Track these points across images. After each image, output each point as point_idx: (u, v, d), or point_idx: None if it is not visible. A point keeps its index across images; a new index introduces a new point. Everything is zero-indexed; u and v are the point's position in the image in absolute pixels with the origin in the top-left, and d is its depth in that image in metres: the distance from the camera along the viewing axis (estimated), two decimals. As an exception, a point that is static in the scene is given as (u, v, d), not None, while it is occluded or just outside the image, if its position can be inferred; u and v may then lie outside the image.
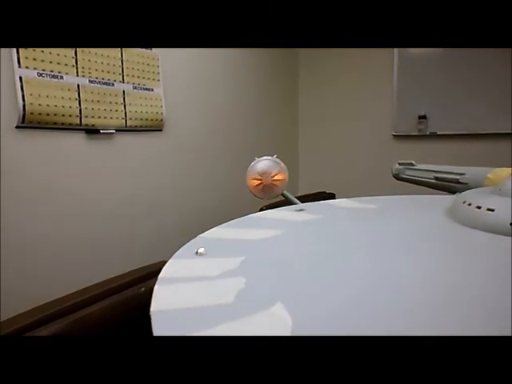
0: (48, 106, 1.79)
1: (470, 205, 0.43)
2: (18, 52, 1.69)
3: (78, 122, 1.93)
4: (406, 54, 3.11)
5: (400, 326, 0.25)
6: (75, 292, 0.95)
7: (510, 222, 0.37)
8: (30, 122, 1.74)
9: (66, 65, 1.86)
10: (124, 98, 2.15)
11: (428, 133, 3.09)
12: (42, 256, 1.81)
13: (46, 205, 1.82)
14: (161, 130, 2.39)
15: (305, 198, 2.32)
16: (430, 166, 1.10)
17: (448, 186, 0.96)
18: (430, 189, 1.12)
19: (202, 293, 0.30)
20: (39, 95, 1.76)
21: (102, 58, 2.01)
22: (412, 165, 1.20)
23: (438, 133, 3.06)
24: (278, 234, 0.45)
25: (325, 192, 2.81)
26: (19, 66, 1.69)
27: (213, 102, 2.78)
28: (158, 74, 2.33)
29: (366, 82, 3.39)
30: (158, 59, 2.31)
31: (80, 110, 1.93)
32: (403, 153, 3.27)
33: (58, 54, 1.82)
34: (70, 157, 1.92)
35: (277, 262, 0.37)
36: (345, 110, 3.53)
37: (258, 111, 3.23)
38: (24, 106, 1.70)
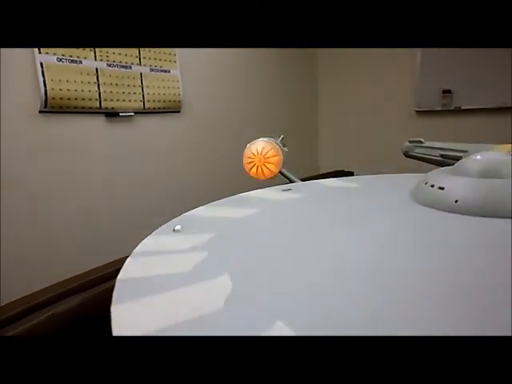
0: (68, 90, 1.85)
1: (426, 183, 0.44)
2: (37, 39, 1.74)
3: (98, 106, 1.99)
4: (429, 26, 2.99)
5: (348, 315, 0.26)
6: (92, 269, 1.02)
7: (455, 199, 0.38)
8: (52, 107, 1.81)
9: (84, 49, 1.91)
10: (141, 81, 2.19)
11: (452, 107, 2.99)
12: (67, 235, 1.92)
13: (69, 187, 1.91)
14: (178, 112, 2.43)
15: (322, 177, 2.30)
16: (436, 144, 1.08)
17: (453, 164, 0.95)
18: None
19: (166, 264, 0.34)
20: (60, 80, 1.82)
21: (118, 42, 2.05)
22: (421, 142, 1.19)
23: (463, 107, 2.95)
24: (255, 213, 0.48)
25: (343, 170, 2.79)
26: (39, 52, 1.75)
27: (230, 82, 2.78)
28: (175, 55, 2.34)
29: (388, 56, 3.29)
30: (174, 40, 2.33)
31: (99, 93, 1.98)
32: (426, 129, 3.18)
33: (75, 39, 1.87)
34: (91, 140, 1.99)
35: (243, 237, 0.40)
36: (366, 86, 3.44)
37: (276, 89, 3.20)
38: (46, 91, 1.77)
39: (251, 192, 0.59)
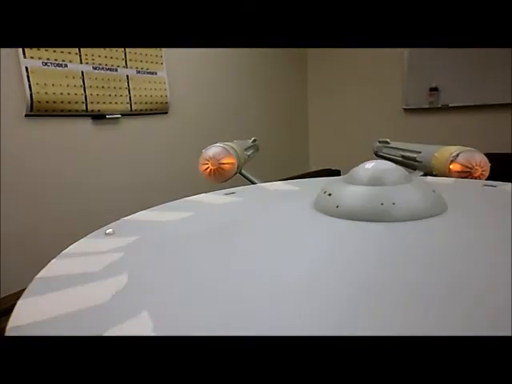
0: (54, 93, 1.89)
1: (321, 190, 0.48)
2: (22, 44, 1.78)
3: (84, 109, 2.03)
4: (416, 24, 3.01)
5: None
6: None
7: (336, 205, 0.42)
8: (37, 111, 1.85)
9: (69, 53, 1.95)
10: (128, 83, 2.23)
11: (440, 105, 3.02)
12: (53, 238, 1.96)
13: (56, 190, 1.95)
14: (166, 113, 2.47)
15: (308, 176, 2.34)
16: (399, 144, 1.12)
17: (410, 164, 0.99)
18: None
19: (81, 264, 0.38)
20: (45, 84, 1.86)
21: (104, 45, 2.09)
22: (387, 143, 1.23)
23: (450, 105, 2.98)
24: (184, 217, 0.52)
25: (330, 169, 2.83)
26: (24, 57, 1.79)
27: (218, 83, 2.81)
28: (161, 57, 2.38)
29: (376, 55, 3.32)
30: (160, 43, 2.36)
31: (85, 96, 2.02)
32: (414, 127, 3.21)
33: (60, 44, 1.91)
34: (78, 142, 2.03)
35: (162, 240, 0.44)
36: (355, 84, 3.47)
37: (266, 89, 3.23)
38: (31, 95, 1.81)
39: (194, 196, 0.63)
